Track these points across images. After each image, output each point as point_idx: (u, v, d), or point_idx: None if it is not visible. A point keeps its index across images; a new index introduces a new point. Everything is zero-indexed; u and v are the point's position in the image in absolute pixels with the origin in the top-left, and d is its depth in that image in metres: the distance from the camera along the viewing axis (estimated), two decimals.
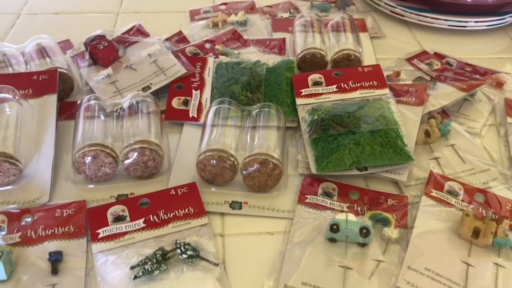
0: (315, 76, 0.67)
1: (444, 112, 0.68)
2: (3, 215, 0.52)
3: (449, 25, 0.86)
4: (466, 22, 0.86)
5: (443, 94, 0.68)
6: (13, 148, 0.56)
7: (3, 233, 0.50)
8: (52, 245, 0.49)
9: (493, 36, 0.88)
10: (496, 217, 0.54)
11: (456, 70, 0.76)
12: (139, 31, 0.79)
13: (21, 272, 0.47)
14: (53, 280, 0.46)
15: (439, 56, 0.80)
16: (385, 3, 0.90)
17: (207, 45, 0.78)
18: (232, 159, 0.55)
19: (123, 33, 0.78)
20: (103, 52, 0.70)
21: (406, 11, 0.88)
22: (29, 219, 0.52)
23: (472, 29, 0.87)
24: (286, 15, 0.90)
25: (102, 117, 0.59)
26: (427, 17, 0.87)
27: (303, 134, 0.61)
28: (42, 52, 0.70)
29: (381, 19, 0.91)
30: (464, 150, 0.63)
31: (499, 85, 0.73)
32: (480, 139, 0.65)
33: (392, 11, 0.90)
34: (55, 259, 0.48)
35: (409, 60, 0.79)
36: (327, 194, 0.56)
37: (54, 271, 0.47)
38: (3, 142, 0.55)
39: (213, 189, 0.56)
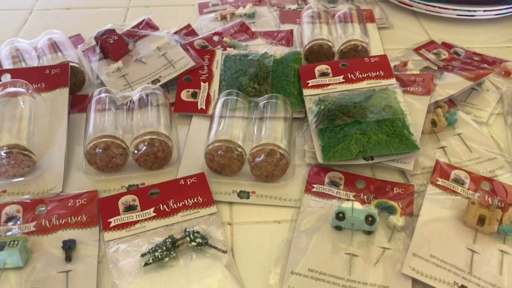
0: (322, 67, 0.68)
1: (451, 102, 0.68)
2: (18, 205, 0.53)
3: (457, 15, 0.86)
4: (474, 11, 0.85)
5: (450, 84, 0.68)
6: (27, 140, 0.57)
7: (19, 222, 0.52)
8: (66, 234, 0.51)
9: (502, 25, 0.88)
10: (502, 205, 0.54)
11: (464, 60, 0.76)
12: (149, 25, 0.80)
13: (36, 259, 0.49)
14: (67, 267, 0.48)
15: (447, 45, 0.80)
16: None
17: (215, 38, 0.79)
18: (239, 149, 0.56)
19: (133, 27, 0.79)
20: (113, 46, 0.72)
21: (414, 1, 0.88)
22: (43, 209, 0.53)
23: (481, 18, 0.87)
24: (294, 6, 0.90)
25: (113, 110, 0.61)
26: (436, 6, 0.86)
27: (310, 125, 0.62)
28: (54, 46, 0.72)
29: (389, 9, 0.91)
30: (470, 139, 0.63)
31: (507, 74, 0.73)
32: (487, 128, 0.65)
33: (400, 1, 0.90)
34: (69, 247, 0.49)
35: (417, 50, 0.79)
36: (334, 183, 0.57)
37: (68, 258, 0.49)
38: (17, 134, 0.57)
39: (221, 179, 0.57)
